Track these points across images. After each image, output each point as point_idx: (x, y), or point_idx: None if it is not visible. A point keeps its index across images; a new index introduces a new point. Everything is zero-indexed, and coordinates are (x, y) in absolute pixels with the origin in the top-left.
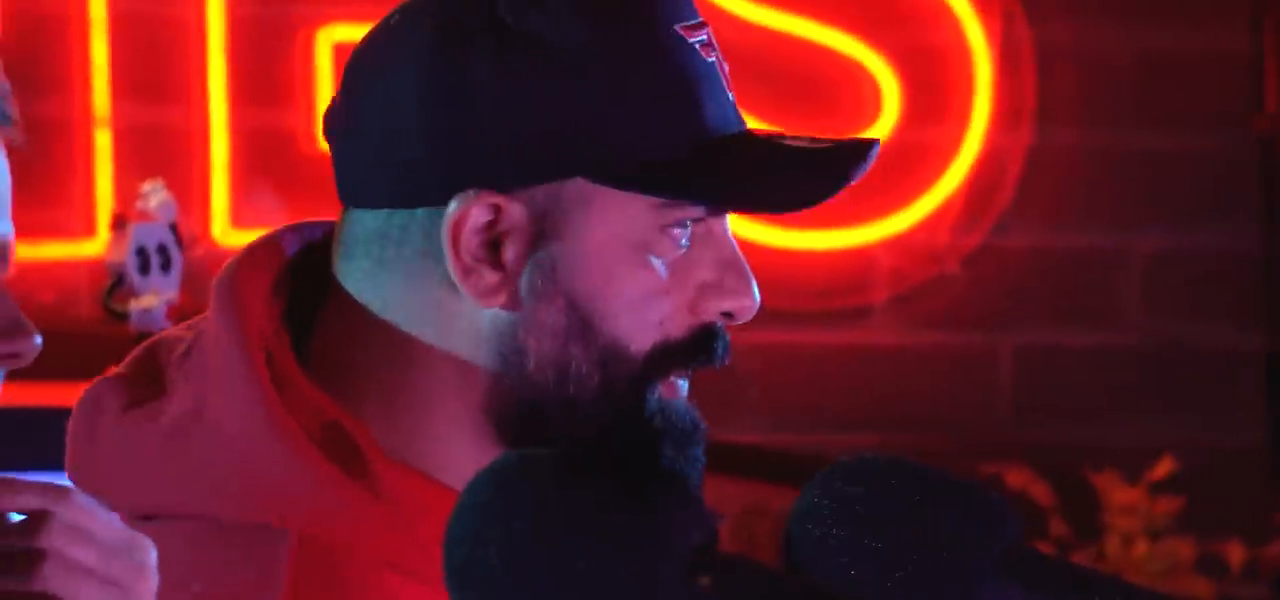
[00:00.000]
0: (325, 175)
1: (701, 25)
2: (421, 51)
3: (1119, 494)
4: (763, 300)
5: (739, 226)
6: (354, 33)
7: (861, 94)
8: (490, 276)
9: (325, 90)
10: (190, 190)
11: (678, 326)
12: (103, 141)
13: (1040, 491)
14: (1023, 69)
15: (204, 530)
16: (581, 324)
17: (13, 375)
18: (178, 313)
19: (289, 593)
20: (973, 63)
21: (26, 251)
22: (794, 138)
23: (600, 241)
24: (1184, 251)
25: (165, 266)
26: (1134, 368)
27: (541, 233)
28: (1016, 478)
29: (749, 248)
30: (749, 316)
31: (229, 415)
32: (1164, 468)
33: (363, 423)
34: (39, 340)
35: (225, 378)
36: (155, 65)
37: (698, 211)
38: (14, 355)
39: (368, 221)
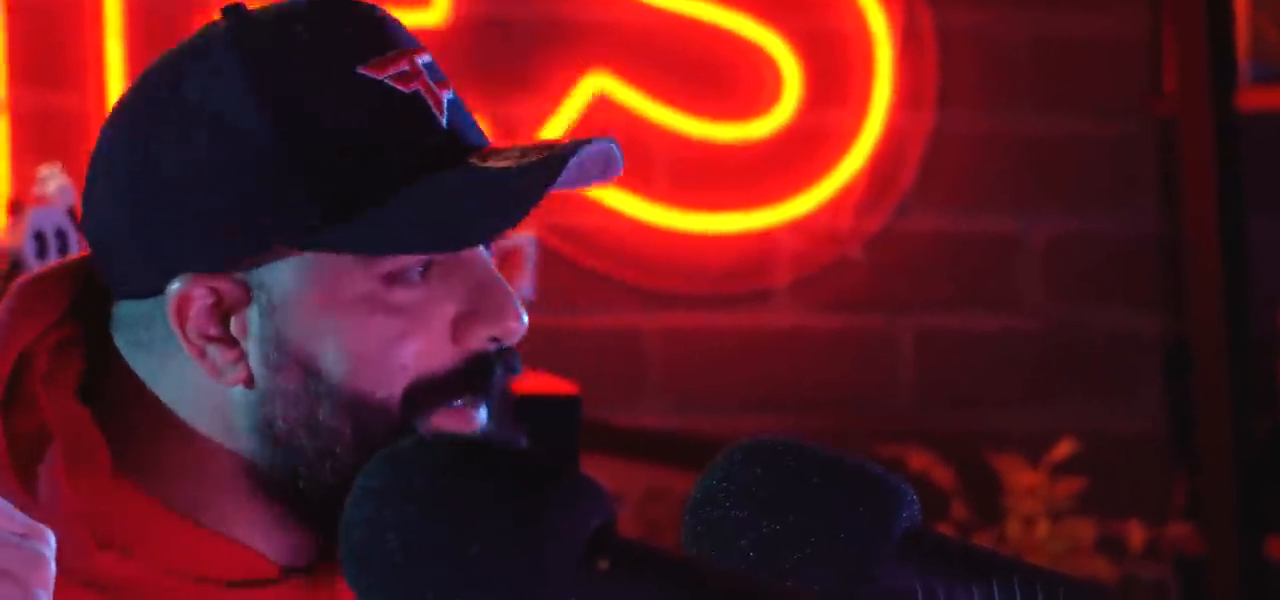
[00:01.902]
0: None
1: (400, 54)
2: (118, 142)
3: (1020, 476)
4: (662, 282)
5: (637, 208)
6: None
7: (762, 76)
8: (222, 356)
9: None
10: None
11: (437, 361)
12: None
13: (942, 474)
14: (924, 52)
15: None
16: (320, 385)
17: None
18: None
19: None
20: (873, 45)
21: None
22: (503, 153)
23: (319, 304)
24: (1084, 235)
25: (63, 251)
26: (1035, 351)
27: (263, 305)
28: (918, 461)
29: (649, 230)
30: (515, 337)
31: None
32: (1064, 450)
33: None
34: None
35: None
36: (52, 50)
37: (408, 259)
38: None
39: (124, 310)
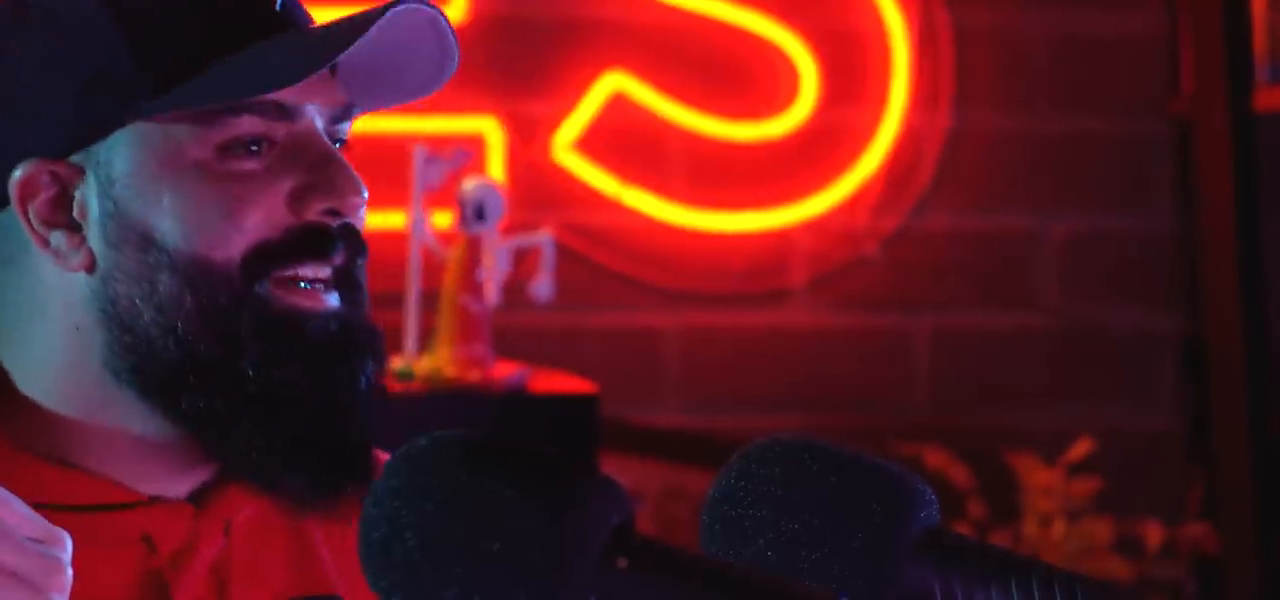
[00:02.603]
0: None
1: None
2: None
3: (1036, 475)
4: (680, 282)
5: (655, 207)
6: None
7: (779, 76)
8: (66, 241)
9: None
10: None
11: (274, 229)
12: None
13: (958, 473)
14: (940, 51)
15: None
16: (160, 255)
17: None
18: None
19: None
20: (890, 44)
21: None
22: (337, 21)
23: (153, 175)
24: (1100, 234)
25: None
26: (1051, 350)
27: (102, 182)
28: (935, 459)
29: (667, 229)
30: (355, 210)
31: None
32: (1081, 449)
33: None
34: None
35: None
36: None
37: (241, 126)
38: None
39: None
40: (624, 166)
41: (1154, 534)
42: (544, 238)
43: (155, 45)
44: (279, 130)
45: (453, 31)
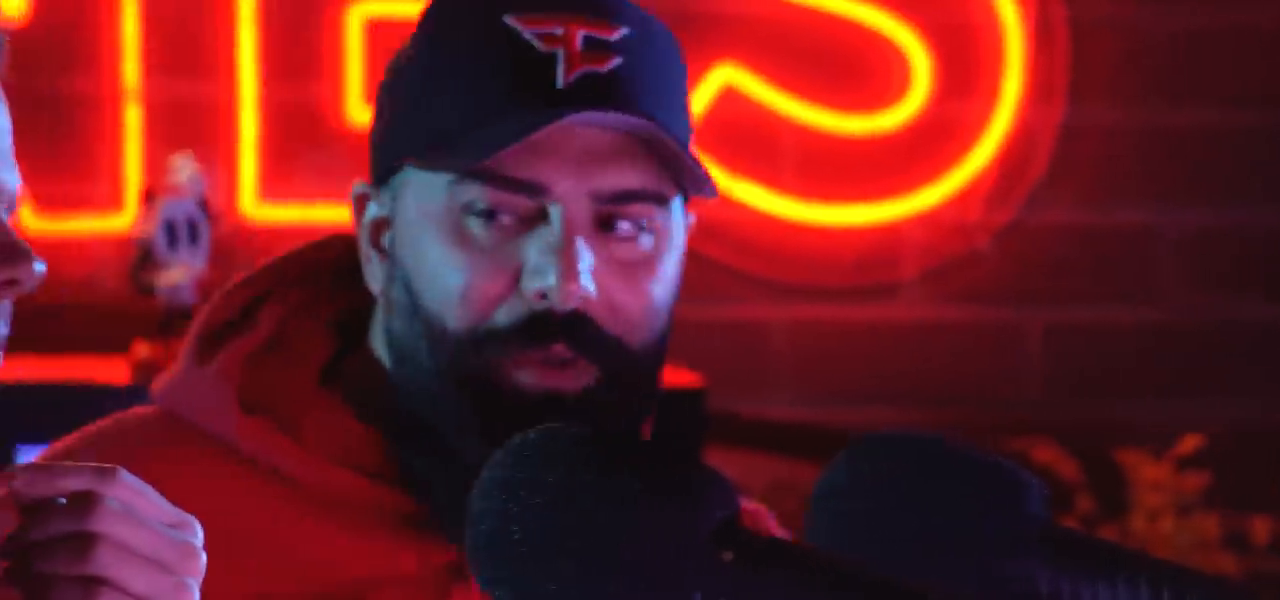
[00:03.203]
0: (355, 150)
1: (552, 16)
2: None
3: (1146, 470)
4: (791, 275)
5: (765, 200)
6: (384, 7)
7: (892, 68)
8: (374, 266)
9: (355, 65)
10: (219, 164)
11: (503, 311)
12: (132, 116)
13: (1067, 468)
14: (1056, 43)
15: None
16: (411, 299)
17: (40, 347)
18: (204, 287)
19: None
20: (1004, 36)
21: (55, 225)
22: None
23: (414, 218)
24: (1219, 229)
25: (193, 240)
26: (1165, 346)
27: (390, 216)
28: (1043, 454)
29: (777, 222)
30: (568, 301)
31: None
32: (1191, 444)
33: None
34: (40, 267)
35: None
36: (186, 39)
37: (476, 192)
38: (12, 282)
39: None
40: (734, 159)
41: (1262, 529)
42: None
43: (445, 96)
44: (532, 208)
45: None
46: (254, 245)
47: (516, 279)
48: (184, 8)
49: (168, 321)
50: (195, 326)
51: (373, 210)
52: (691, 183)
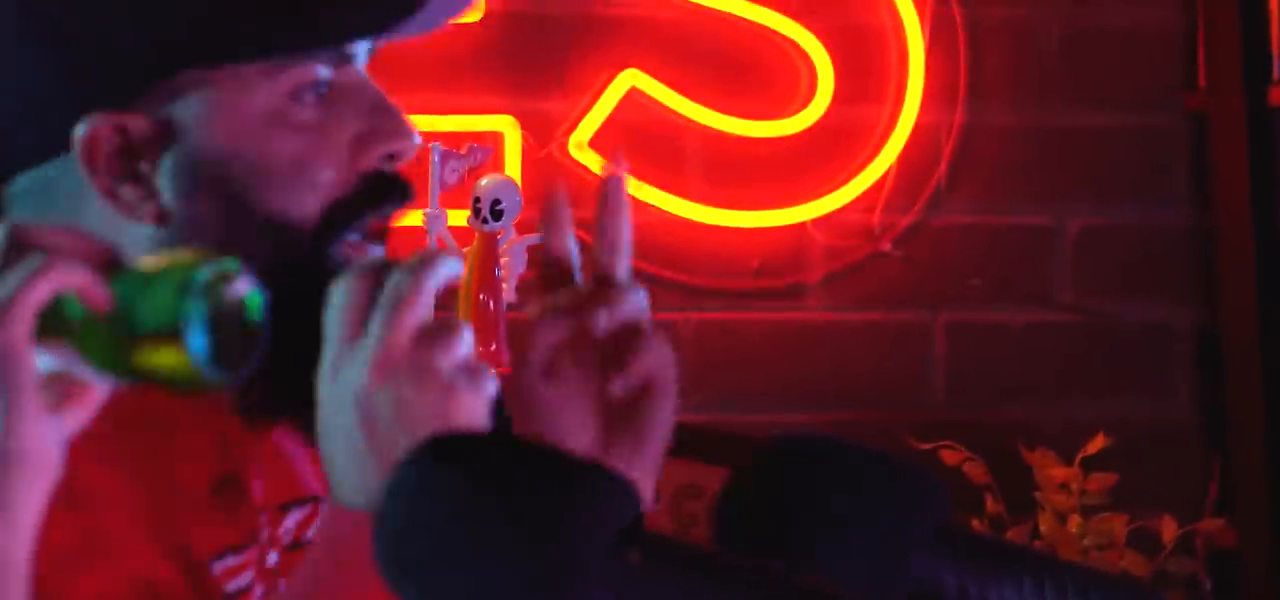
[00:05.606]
0: None
1: None
2: (9, 7)
3: (1053, 471)
4: (696, 278)
5: (671, 204)
6: None
7: (795, 73)
8: (133, 192)
9: None
10: None
11: (342, 185)
12: None
13: (975, 469)
14: (954, 47)
15: None
16: (236, 209)
17: None
18: None
19: None
20: (906, 41)
21: None
22: None
23: (229, 126)
24: (1116, 228)
25: None
26: (1067, 344)
27: (171, 136)
28: (951, 456)
29: (683, 226)
30: (410, 154)
31: None
32: (1097, 444)
33: None
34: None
35: None
36: None
37: (311, 72)
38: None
39: (20, 183)
40: (639, 164)
41: (1170, 529)
42: None
43: None
44: (340, 73)
45: None
46: None
47: (348, 148)
48: None
49: None
50: None
51: (108, 139)
52: None
